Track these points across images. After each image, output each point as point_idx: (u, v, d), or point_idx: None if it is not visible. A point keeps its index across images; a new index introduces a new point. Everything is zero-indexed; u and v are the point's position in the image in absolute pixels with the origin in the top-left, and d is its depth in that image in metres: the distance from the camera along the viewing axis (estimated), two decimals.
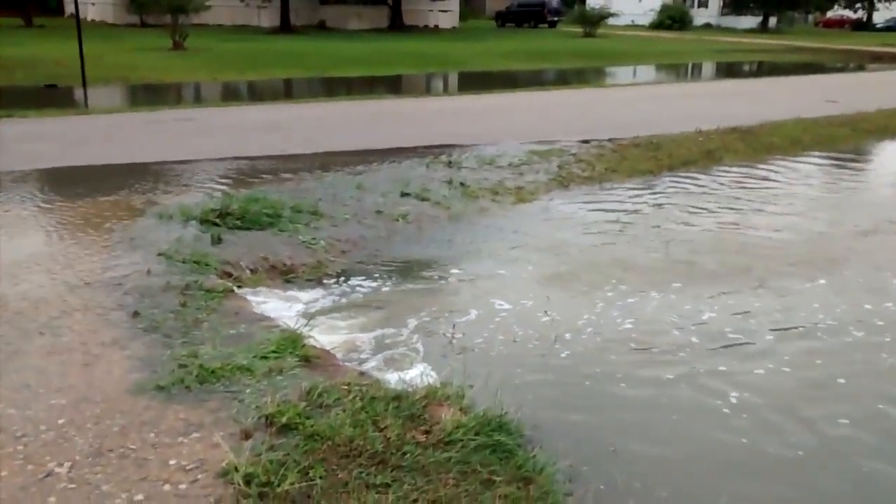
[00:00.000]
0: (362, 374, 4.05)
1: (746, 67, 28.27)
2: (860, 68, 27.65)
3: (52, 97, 15.08)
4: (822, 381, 4.43)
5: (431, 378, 4.00)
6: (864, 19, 59.76)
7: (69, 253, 5.45)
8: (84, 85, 15.42)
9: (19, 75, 17.46)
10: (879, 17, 58.79)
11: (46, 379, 3.63)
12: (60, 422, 3.26)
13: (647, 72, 26.22)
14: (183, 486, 2.87)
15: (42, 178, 7.81)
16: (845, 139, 12.32)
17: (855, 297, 5.68)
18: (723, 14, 58.30)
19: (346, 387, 3.65)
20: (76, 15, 16.49)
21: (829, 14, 64.56)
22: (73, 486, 2.85)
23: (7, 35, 27.53)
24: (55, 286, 4.79)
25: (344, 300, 5.38)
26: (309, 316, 4.80)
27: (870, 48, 37.15)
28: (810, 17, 65.79)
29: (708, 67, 28.31)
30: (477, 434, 3.33)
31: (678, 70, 27.22)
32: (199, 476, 2.93)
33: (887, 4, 58.93)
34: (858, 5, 59.92)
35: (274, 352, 3.99)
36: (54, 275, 4.99)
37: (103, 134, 10.51)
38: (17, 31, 30.21)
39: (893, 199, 9.19)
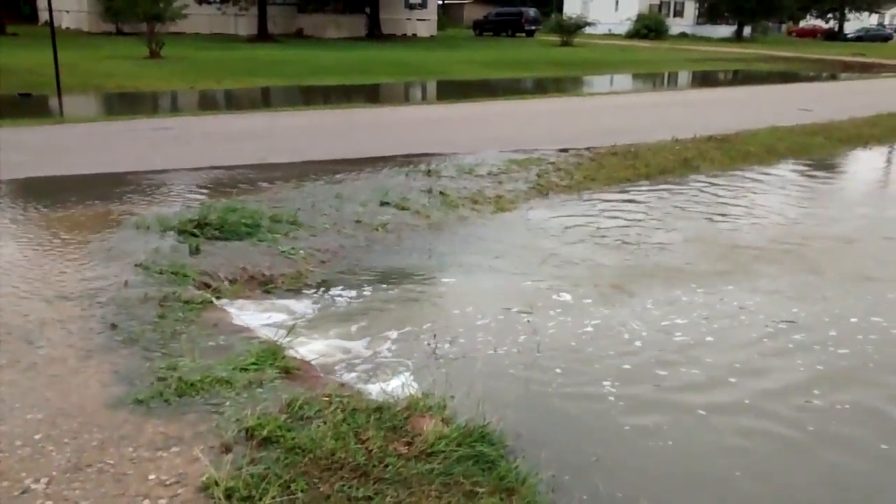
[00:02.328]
0: (343, 385, 4.03)
1: (721, 76, 28.58)
2: (832, 77, 28.06)
3: (26, 106, 14.91)
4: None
5: (413, 389, 3.99)
6: (836, 29, 60.72)
7: (45, 264, 5.38)
8: (59, 93, 15.26)
9: None
10: (850, 28, 59.76)
11: (22, 393, 3.57)
12: (37, 437, 3.21)
13: (623, 81, 26.43)
14: (163, 501, 2.83)
15: (16, 189, 7.71)
16: (819, 147, 12.50)
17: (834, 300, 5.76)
18: (698, 23, 58.98)
19: (326, 398, 3.63)
20: (51, 23, 16.33)
21: (802, 24, 65.54)
22: (50, 502, 2.81)
23: None
24: (31, 298, 4.72)
25: (324, 310, 5.36)
26: (289, 327, 4.76)
27: (841, 57, 37.73)
28: (783, 26, 66.71)
29: (684, 76, 28.59)
30: (459, 445, 3.32)
31: (654, 79, 27.47)
32: (179, 491, 2.89)
33: (858, 15, 59.92)
34: (830, 15, 60.90)
35: (254, 364, 3.96)
36: (30, 287, 4.92)
37: (79, 143, 10.40)
38: None
39: (872, 207, 9.33)
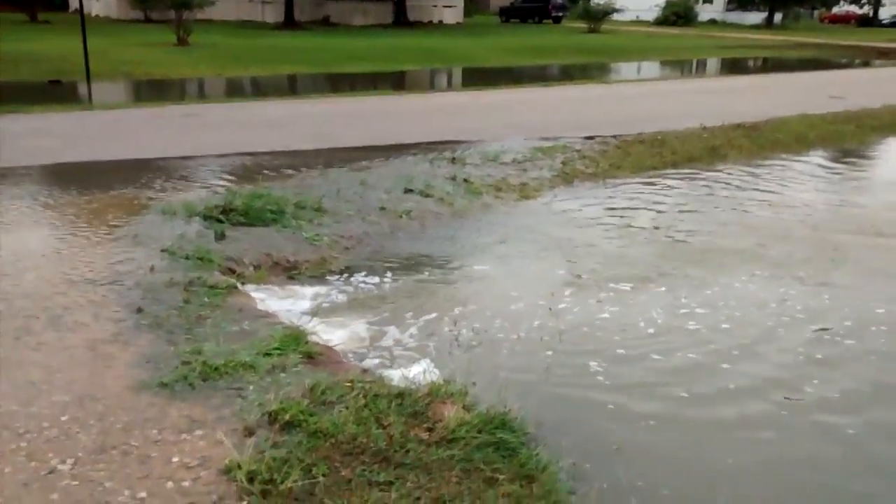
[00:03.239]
0: (365, 371, 4.04)
1: (751, 63, 28.15)
2: (866, 64, 27.54)
3: (56, 93, 15.08)
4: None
5: (434, 375, 3.99)
6: (870, 15, 59.48)
7: (73, 249, 5.45)
8: (88, 80, 15.42)
9: (24, 70, 17.45)
10: (886, 13, 58.52)
11: (49, 375, 3.63)
12: (63, 418, 3.26)
13: (651, 68, 26.14)
14: (186, 484, 2.87)
15: (46, 174, 7.81)
16: (851, 136, 12.27)
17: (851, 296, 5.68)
18: (728, 10, 58.07)
19: (349, 384, 3.64)
20: (80, 10, 16.46)
21: (835, 10, 64.26)
22: (76, 482, 2.85)
23: (12, 30, 27.54)
24: (59, 282, 4.79)
25: (347, 297, 5.37)
26: (312, 313, 4.79)
27: (876, 44, 36.96)
28: (816, 12, 65.49)
29: (712, 63, 28.19)
30: (480, 432, 3.32)
31: (683, 66, 27.14)
32: (202, 473, 2.93)
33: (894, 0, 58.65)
34: (864, 1, 59.67)
35: (277, 349, 3.99)
36: (58, 271, 4.99)
37: (107, 129, 10.51)
38: (22, 27, 30.23)
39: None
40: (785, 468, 3.57)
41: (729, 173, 9.54)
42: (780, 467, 3.57)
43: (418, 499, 2.88)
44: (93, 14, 36.07)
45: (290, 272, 5.73)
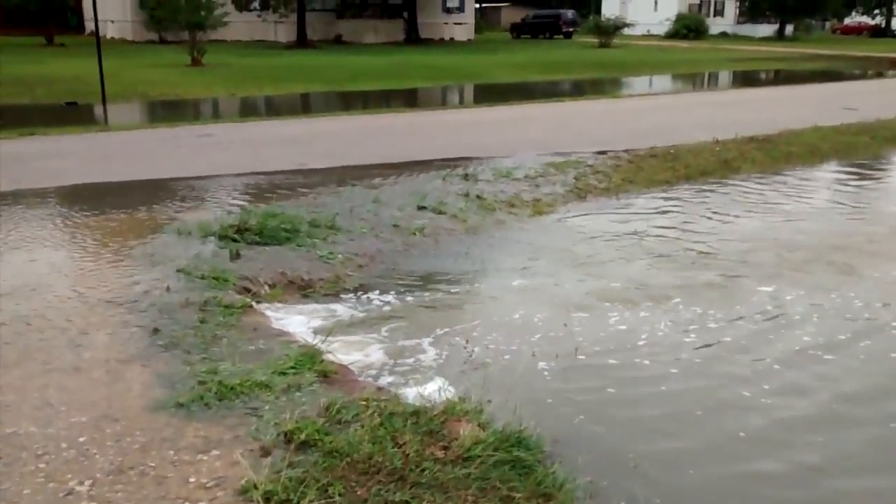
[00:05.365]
0: (380, 389, 4.04)
1: (763, 76, 28.11)
2: (879, 75, 27.43)
3: (72, 114, 15.24)
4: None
5: (450, 393, 3.99)
6: (883, 25, 59.29)
7: (89, 270, 5.50)
8: (104, 102, 15.60)
9: (40, 93, 17.68)
10: None
11: (67, 396, 3.65)
12: (81, 439, 3.28)
13: (663, 81, 26.13)
14: None
15: (62, 196, 7.89)
16: (865, 147, 12.21)
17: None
18: (739, 22, 58.09)
19: (364, 402, 3.64)
20: (96, 33, 16.70)
21: (847, 21, 64.13)
22: (94, 503, 2.86)
23: (29, 53, 27.95)
24: (75, 303, 4.83)
25: (362, 315, 5.38)
26: (327, 331, 4.80)
27: (888, 54, 36.84)
28: (827, 23, 65.35)
29: (724, 76, 28.18)
30: (496, 450, 3.31)
31: (694, 79, 27.13)
32: (219, 494, 2.93)
33: None
34: (876, 11, 59.50)
35: (292, 367, 4.00)
36: (74, 291, 5.02)
37: (123, 150, 10.60)
38: (39, 50, 30.65)
39: None
40: (814, 482, 3.54)
41: (743, 186, 9.51)
42: (805, 481, 3.54)
43: None
44: (108, 36, 36.49)
45: (304, 291, 5.75)
